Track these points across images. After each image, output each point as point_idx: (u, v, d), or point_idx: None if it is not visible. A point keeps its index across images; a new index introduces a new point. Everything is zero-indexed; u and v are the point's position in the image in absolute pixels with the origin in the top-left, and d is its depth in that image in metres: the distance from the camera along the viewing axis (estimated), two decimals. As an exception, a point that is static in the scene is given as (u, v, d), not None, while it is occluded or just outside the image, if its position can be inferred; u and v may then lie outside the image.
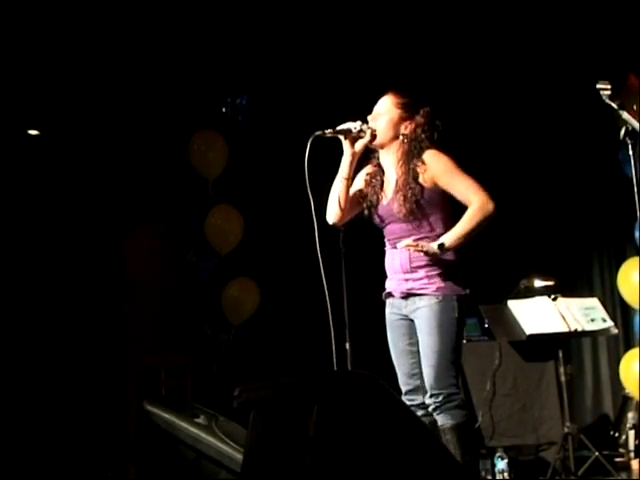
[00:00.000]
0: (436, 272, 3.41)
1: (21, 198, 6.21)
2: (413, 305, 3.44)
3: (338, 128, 3.48)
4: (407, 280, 3.45)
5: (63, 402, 6.09)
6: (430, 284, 3.40)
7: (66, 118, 6.25)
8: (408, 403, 3.39)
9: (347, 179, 3.51)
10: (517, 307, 5.15)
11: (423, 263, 3.42)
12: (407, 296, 3.46)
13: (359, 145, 3.50)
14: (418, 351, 3.44)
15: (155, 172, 6.66)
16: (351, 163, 3.50)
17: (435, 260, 3.40)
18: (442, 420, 3.34)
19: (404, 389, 3.48)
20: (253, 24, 5.83)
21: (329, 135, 3.46)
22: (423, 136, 3.47)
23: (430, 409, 3.37)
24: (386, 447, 2.36)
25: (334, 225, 3.58)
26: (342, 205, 3.51)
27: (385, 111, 3.51)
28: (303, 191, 3.43)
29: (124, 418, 6.27)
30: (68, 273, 6.33)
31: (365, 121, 3.52)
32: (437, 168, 3.41)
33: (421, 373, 3.43)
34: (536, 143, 6.50)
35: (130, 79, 6.10)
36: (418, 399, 3.44)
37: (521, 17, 5.64)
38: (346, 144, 3.50)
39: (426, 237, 3.43)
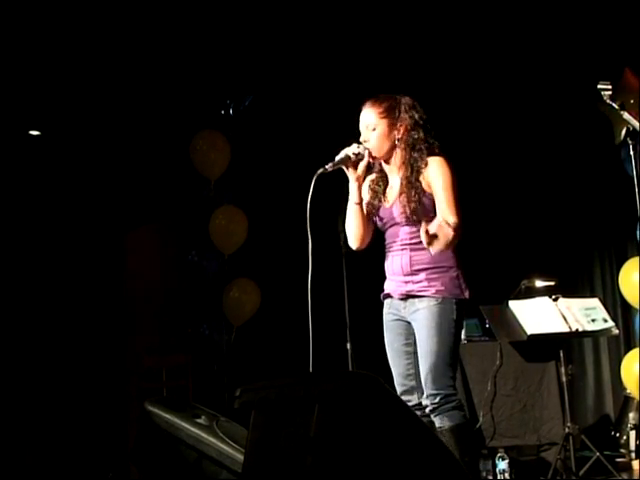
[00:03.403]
0: (436, 275, 3.41)
1: (22, 198, 6.22)
2: (412, 307, 3.44)
3: (337, 159, 3.44)
4: (407, 282, 3.45)
5: (64, 402, 6.10)
6: (430, 287, 3.40)
7: (67, 118, 6.26)
8: (404, 404, 3.38)
9: (358, 203, 3.51)
10: (518, 307, 5.14)
11: (424, 266, 3.42)
12: (406, 298, 3.46)
13: (361, 168, 3.48)
14: (414, 352, 3.44)
15: (157, 172, 6.67)
16: (358, 187, 3.50)
17: (436, 263, 3.41)
18: (440, 422, 3.33)
19: (399, 390, 3.47)
20: (255, 24, 5.83)
21: (330, 169, 3.42)
22: (416, 136, 3.45)
23: (427, 410, 3.37)
24: (387, 447, 2.36)
25: (358, 249, 3.57)
26: (361, 228, 3.51)
27: (373, 126, 3.48)
28: (305, 190, 3.43)
29: (125, 418, 6.28)
30: (69, 273, 6.34)
31: (356, 140, 3.50)
32: (434, 174, 3.41)
33: (417, 374, 3.42)
34: (537, 143, 6.50)
35: (131, 79, 6.10)
36: (413, 400, 3.43)
37: (522, 14, 5.64)
38: (349, 172, 3.48)
39: None
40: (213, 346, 6.79)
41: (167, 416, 3.60)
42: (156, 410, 3.62)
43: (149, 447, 3.67)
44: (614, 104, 3.51)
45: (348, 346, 5.05)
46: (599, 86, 3.49)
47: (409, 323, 3.47)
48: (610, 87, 3.52)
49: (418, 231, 3.39)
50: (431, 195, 3.42)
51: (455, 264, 3.43)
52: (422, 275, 3.42)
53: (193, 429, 3.56)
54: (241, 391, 2.71)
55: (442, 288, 3.39)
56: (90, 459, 6.01)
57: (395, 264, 3.49)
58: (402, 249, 3.47)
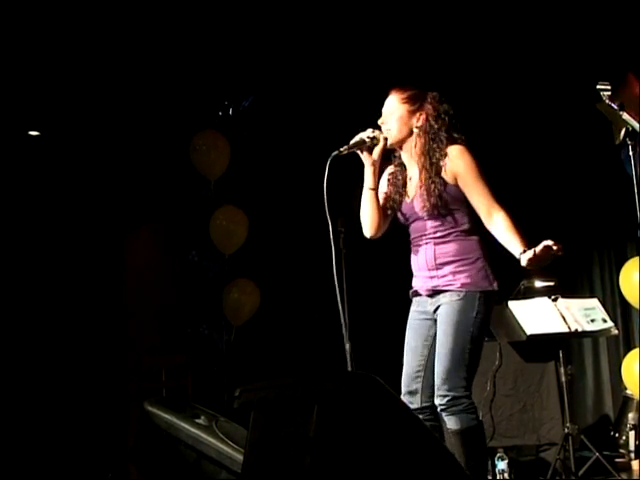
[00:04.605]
0: (461, 268, 3.33)
1: (22, 198, 6.22)
2: (437, 302, 3.37)
3: (352, 142, 3.43)
4: (432, 277, 3.38)
5: (64, 403, 6.10)
6: (455, 280, 3.33)
7: (67, 119, 6.26)
8: (406, 404, 3.31)
9: (373, 189, 3.46)
10: (517, 307, 5.14)
11: (449, 259, 3.35)
12: (433, 294, 3.39)
13: (376, 153, 3.45)
14: (429, 354, 3.38)
15: (156, 172, 6.68)
16: (374, 173, 3.45)
17: (462, 255, 3.35)
18: (448, 423, 3.27)
19: (403, 390, 3.41)
20: (257, 25, 5.83)
21: (345, 152, 3.40)
22: (436, 126, 3.41)
23: (438, 410, 3.30)
24: (386, 447, 2.36)
25: (372, 238, 3.51)
26: (375, 216, 3.46)
27: (393, 110, 3.46)
28: (304, 192, 3.43)
29: (125, 418, 6.28)
30: (69, 273, 6.34)
31: (374, 127, 3.47)
32: (459, 165, 3.35)
33: (425, 377, 3.36)
34: (536, 143, 6.50)
35: (131, 79, 6.10)
36: (415, 403, 3.35)
37: (523, 15, 5.64)
38: (364, 156, 3.45)
39: (451, 233, 3.37)
40: (213, 346, 6.80)
41: (166, 416, 3.60)
42: (155, 410, 3.62)
43: (149, 447, 3.67)
44: (613, 104, 3.50)
45: (347, 346, 5.05)
46: (598, 86, 3.48)
47: (434, 321, 3.39)
48: (609, 87, 3.51)
49: (441, 224, 3.37)
50: (454, 187, 3.35)
51: (482, 254, 3.37)
52: (447, 269, 3.34)
53: (192, 429, 3.56)
54: (240, 391, 2.71)
55: (468, 281, 3.32)
56: (90, 459, 6.01)
57: (420, 259, 3.42)
58: (426, 243, 3.40)
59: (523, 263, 3.24)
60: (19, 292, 6.10)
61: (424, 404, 3.36)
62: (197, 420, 3.67)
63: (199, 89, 6.50)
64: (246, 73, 6.51)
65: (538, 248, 3.20)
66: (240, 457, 3.10)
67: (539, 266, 3.26)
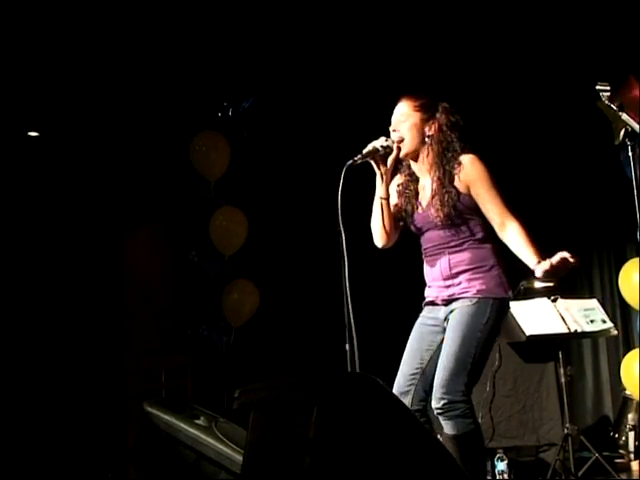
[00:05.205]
0: (477, 275, 3.33)
1: (22, 199, 6.22)
2: (451, 308, 3.35)
3: (365, 151, 3.39)
4: (449, 287, 3.37)
5: (63, 403, 6.10)
6: (470, 287, 3.32)
7: (66, 119, 6.26)
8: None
9: (385, 198, 3.44)
10: (517, 308, 5.14)
11: (464, 267, 3.34)
12: (449, 302, 3.37)
13: (389, 162, 3.43)
14: (430, 358, 3.36)
15: (157, 172, 6.68)
16: (386, 182, 3.43)
17: (477, 263, 3.34)
18: (445, 427, 3.25)
19: (395, 390, 3.37)
20: (257, 25, 5.83)
21: (359, 161, 3.36)
22: (452, 135, 3.40)
23: (435, 413, 3.28)
24: (386, 448, 2.37)
25: (383, 247, 3.48)
26: (387, 225, 3.44)
27: (405, 117, 3.43)
28: (304, 192, 3.43)
29: (124, 419, 6.28)
30: (69, 273, 6.34)
31: (385, 135, 3.44)
32: (473, 174, 3.33)
33: (420, 380, 3.34)
34: (536, 144, 6.50)
35: (131, 80, 6.11)
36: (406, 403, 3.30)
37: (522, 17, 5.64)
38: (376, 165, 3.43)
39: (466, 242, 3.36)
40: (212, 347, 6.80)
41: (166, 417, 3.60)
42: (155, 411, 3.63)
43: (148, 448, 3.67)
44: (612, 105, 3.51)
45: (347, 347, 5.05)
46: (597, 87, 3.49)
47: (443, 330, 3.36)
48: (609, 88, 3.51)
49: (455, 233, 3.35)
50: (467, 196, 3.34)
51: (497, 262, 3.36)
52: (462, 277, 3.33)
53: (192, 430, 3.57)
54: (240, 392, 2.72)
55: (483, 287, 3.31)
56: (90, 459, 6.01)
57: (435, 269, 3.40)
58: (440, 253, 3.39)
59: (538, 274, 3.24)
60: (19, 292, 6.10)
61: (415, 407, 3.33)
62: (196, 421, 3.68)
63: (199, 90, 6.50)
64: (246, 74, 6.51)
65: (554, 260, 3.21)
66: (239, 458, 3.10)
67: (555, 277, 3.27)
